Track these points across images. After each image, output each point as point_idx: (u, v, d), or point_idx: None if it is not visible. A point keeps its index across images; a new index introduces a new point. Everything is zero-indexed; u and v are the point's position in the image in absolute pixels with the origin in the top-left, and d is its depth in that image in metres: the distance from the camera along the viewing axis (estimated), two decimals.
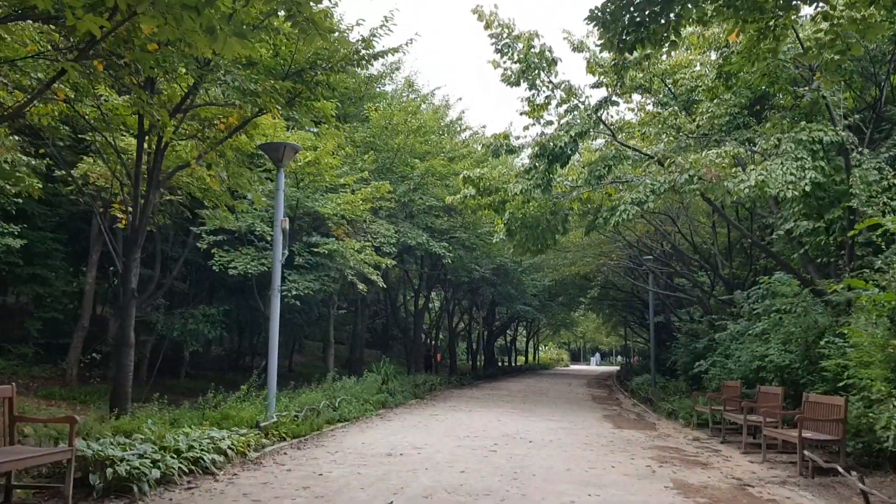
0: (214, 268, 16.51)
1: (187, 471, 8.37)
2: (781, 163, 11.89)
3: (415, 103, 23.17)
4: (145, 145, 11.63)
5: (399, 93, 24.15)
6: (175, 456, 8.39)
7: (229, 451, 9.54)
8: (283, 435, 11.99)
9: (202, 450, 8.91)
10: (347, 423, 14.89)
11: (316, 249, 16.70)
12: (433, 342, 41.81)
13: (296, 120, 20.19)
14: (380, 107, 20.83)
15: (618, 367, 64.44)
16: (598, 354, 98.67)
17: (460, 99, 55.97)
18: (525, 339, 65.04)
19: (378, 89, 24.82)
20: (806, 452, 9.86)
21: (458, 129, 26.54)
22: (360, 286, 17.55)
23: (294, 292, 16.37)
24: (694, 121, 15.23)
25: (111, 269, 23.36)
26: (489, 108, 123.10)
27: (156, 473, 7.69)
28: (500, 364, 51.72)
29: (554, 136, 12.54)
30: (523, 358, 63.88)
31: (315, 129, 12.05)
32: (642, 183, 12.11)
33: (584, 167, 15.70)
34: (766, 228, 20.50)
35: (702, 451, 12.62)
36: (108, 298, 25.98)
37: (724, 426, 14.17)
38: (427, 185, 21.53)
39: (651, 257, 25.53)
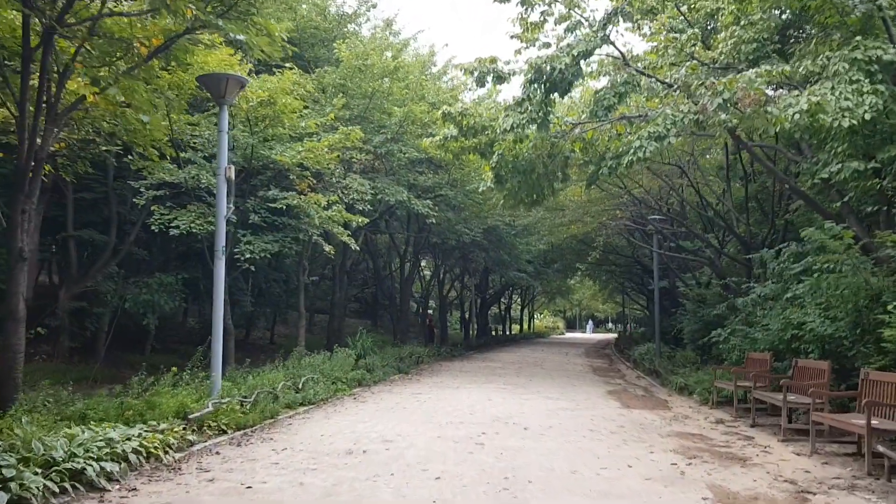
0: (153, 227, 14.20)
1: (58, 490, 6.14)
2: (832, 87, 9.59)
3: (395, 46, 20.70)
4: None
5: (376, 36, 21.57)
6: (42, 469, 6.18)
7: (134, 456, 7.32)
8: (224, 427, 9.81)
9: (90, 457, 6.70)
10: (311, 408, 12.72)
11: (272, 205, 14.34)
12: (425, 311, 39.65)
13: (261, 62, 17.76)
14: (352, 43, 18.28)
15: (615, 335, 62.50)
16: (590, 322, 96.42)
17: (447, 45, 52.06)
18: (520, 308, 62.97)
19: (352, 28, 22.27)
20: (880, 447, 7.68)
21: (444, 77, 24.20)
22: (327, 247, 15.24)
23: (248, 255, 14.06)
24: (717, 48, 12.89)
25: (60, 234, 21.15)
26: (470, 43, 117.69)
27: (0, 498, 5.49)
28: (493, 333, 49.68)
29: (552, 57, 10.19)
30: (518, 327, 61.85)
31: (242, 37, 9.65)
32: (661, 114, 9.81)
33: (587, 107, 13.44)
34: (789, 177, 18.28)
35: (731, 438, 10.48)
36: (61, 266, 23.66)
37: (754, 406, 12.05)
38: (407, 135, 19.11)
39: (658, 217, 23.26)
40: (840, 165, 11.13)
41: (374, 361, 17.55)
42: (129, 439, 7.55)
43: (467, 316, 44.28)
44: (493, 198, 18.51)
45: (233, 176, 11.57)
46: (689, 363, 20.52)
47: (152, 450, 7.75)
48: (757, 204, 21.03)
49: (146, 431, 8.12)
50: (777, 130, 9.81)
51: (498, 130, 10.74)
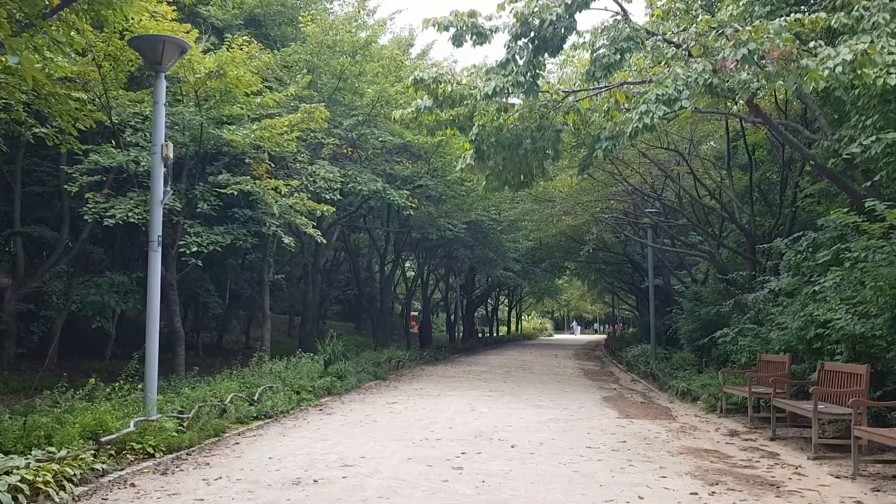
0: (86, 217, 12.54)
1: None
2: (871, 41, 8.10)
3: (370, 26, 19.08)
4: None
5: (348, 14, 19.88)
6: None
7: (7, 496, 5.69)
8: (152, 449, 8.17)
9: None
10: (268, 422, 11.10)
11: (222, 191, 12.67)
12: (409, 312, 37.99)
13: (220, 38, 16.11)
14: (318, 16, 16.59)
15: (604, 336, 61.09)
16: (575, 323, 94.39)
17: (427, 28, 49.01)
18: (507, 309, 61.42)
19: (322, 5, 20.54)
20: None
21: (426, 58, 22.65)
22: (286, 239, 13.59)
23: (194, 248, 12.39)
24: (724, 9, 11.40)
25: (6, 230, 19.47)
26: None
27: None
28: (480, 335, 48.07)
29: (543, 8, 8.63)
30: (505, 328, 60.31)
31: None
32: (671, 74, 8.28)
33: (580, 79, 11.91)
34: (792, 162, 16.89)
35: (753, 455, 8.96)
36: (6, 266, 21.88)
37: (775, 416, 10.51)
38: (380, 118, 17.47)
39: (653, 210, 21.80)
40: (874, 137, 9.65)
41: (345, 367, 15.90)
42: (7, 473, 5.92)
43: (452, 318, 42.70)
44: (473, 180, 16.94)
45: (171, 154, 9.97)
46: (689, 365, 19.10)
47: (41, 485, 6.12)
48: (760, 194, 19.63)
49: (39, 460, 6.50)
50: (786, 106, 8.26)
51: (478, 97, 9.17)
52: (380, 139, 17.29)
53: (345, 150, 17.33)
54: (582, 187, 20.85)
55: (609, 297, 55.12)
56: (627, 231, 25.70)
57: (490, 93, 8.88)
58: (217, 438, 9.44)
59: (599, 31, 10.51)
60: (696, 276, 25.61)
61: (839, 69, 7.23)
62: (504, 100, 9.44)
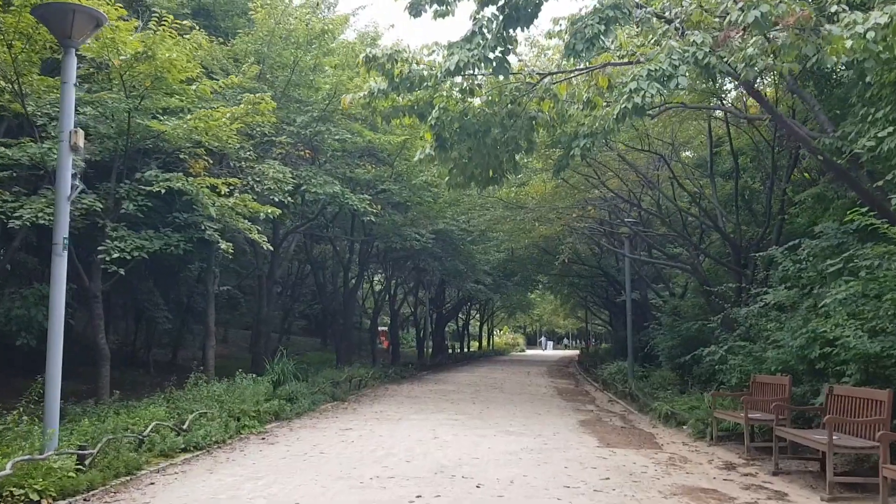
0: None
1: None
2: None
3: (330, 19, 17.70)
4: None
5: (306, 3, 18.45)
6: None
7: None
8: (37, 495, 6.69)
9: None
10: (199, 455, 9.61)
11: (148, 188, 11.15)
12: (375, 328, 36.45)
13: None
14: (269, 3, 15.10)
15: (576, 352, 59.90)
16: (544, 338, 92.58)
17: (392, 26, 46.67)
18: (479, 324, 60.01)
19: None
20: None
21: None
22: (223, 245, 12.07)
23: (116, 254, 10.83)
24: None
25: None
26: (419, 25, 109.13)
27: None
28: (450, 351, 46.62)
29: None
30: (477, 343, 58.90)
31: None
32: (665, 48, 7.04)
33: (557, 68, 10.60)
34: (778, 170, 15.85)
35: (758, 496, 7.66)
36: None
37: (777, 447, 9.24)
38: (337, 114, 16.06)
39: (631, 220, 20.64)
40: (891, 129, 8.48)
41: (297, 388, 14.38)
42: None
43: (422, 333, 41.21)
44: (440, 185, 15.61)
45: (81, 143, 8.53)
46: (670, 385, 17.91)
47: None
48: (744, 202, 18.52)
49: None
50: (776, 104, 7.03)
51: (439, 75, 7.85)
52: (337, 138, 15.87)
53: (301, 152, 15.90)
54: (556, 193, 19.61)
55: (582, 311, 53.99)
56: (603, 241, 24.52)
57: (452, 69, 7.55)
58: (129, 477, 7.96)
59: (575, 18, 9.23)
60: (674, 289, 24.53)
61: (871, 34, 6.01)
62: (470, 82, 8.14)
